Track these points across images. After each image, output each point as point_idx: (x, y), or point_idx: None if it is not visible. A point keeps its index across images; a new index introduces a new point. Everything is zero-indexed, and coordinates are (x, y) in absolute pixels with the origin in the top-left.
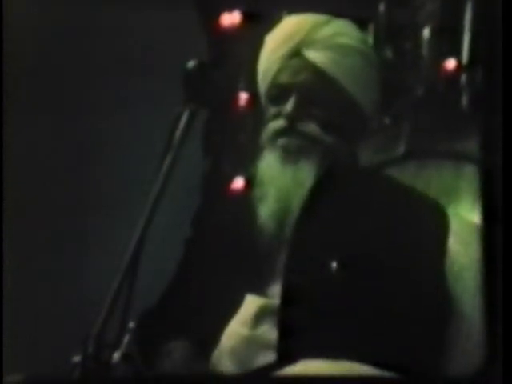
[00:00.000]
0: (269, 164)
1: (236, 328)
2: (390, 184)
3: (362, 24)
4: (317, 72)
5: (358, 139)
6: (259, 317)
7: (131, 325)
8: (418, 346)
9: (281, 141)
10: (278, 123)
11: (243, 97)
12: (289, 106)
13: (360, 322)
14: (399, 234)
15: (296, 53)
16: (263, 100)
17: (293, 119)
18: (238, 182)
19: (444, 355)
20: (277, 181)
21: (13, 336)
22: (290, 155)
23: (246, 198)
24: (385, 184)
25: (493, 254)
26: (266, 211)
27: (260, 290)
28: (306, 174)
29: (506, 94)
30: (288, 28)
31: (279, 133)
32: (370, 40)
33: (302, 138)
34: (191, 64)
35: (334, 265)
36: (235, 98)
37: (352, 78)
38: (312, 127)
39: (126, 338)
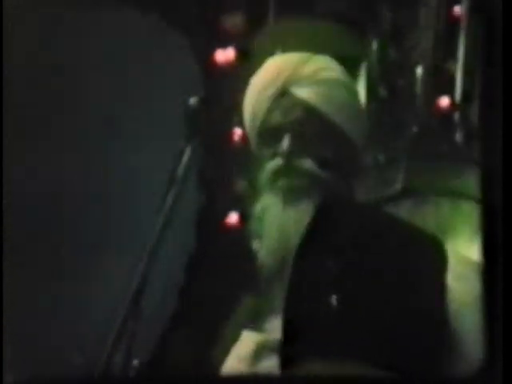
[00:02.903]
0: (269, 204)
1: (235, 365)
2: (387, 219)
3: (355, 61)
4: (307, 108)
5: (352, 174)
6: (258, 353)
7: (135, 362)
8: (418, 350)
9: (281, 181)
10: (276, 163)
11: (237, 132)
12: (284, 144)
13: (361, 355)
14: (397, 268)
15: (284, 92)
16: (254, 141)
17: (290, 157)
18: (233, 217)
19: (444, 356)
20: (278, 220)
21: (16, 373)
22: (291, 195)
23: (242, 233)
24: (382, 219)
25: (493, 290)
26: (265, 249)
27: (257, 324)
28: (306, 213)
29: (506, 130)
30: (272, 68)
31: (278, 173)
32: (361, 75)
33: (300, 177)
34: (193, 100)
35: (334, 299)
36: (230, 134)
37: (340, 111)
38: (309, 163)
39: (131, 375)
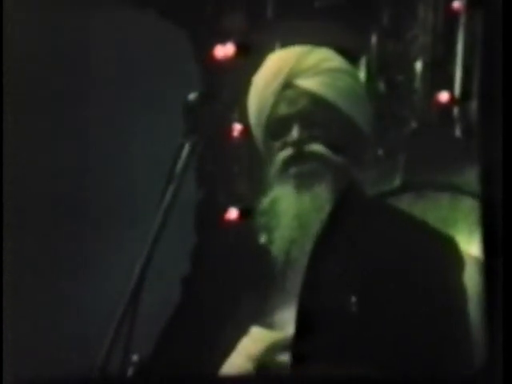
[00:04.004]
0: (282, 194)
1: (243, 363)
2: (400, 214)
3: (354, 56)
4: (313, 98)
5: (362, 163)
6: (269, 352)
7: (135, 357)
8: (423, 349)
9: (292, 169)
10: (287, 152)
11: (237, 128)
12: (294, 133)
13: (367, 355)
14: (414, 267)
15: (288, 84)
16: (261, 137)
17: (300, 145)
18: (232, 213)
19: (444, 356)
20: (293, 209)
21: (14, 371)
22: (305, 181)
23: (242, 228)
24: (396, 214)
25: (494, 287)
26: (279, 241)
27: (267, 319)
28: (323, 198)
29: (506, 126)
30: (274, 63)
31: (289, 161)
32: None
33: (312, 161)
34: (192, 96)
35: (353, 299)
36: (229, 129)
37: (345, 98)
38: (320, 148)
39: (130, 371)
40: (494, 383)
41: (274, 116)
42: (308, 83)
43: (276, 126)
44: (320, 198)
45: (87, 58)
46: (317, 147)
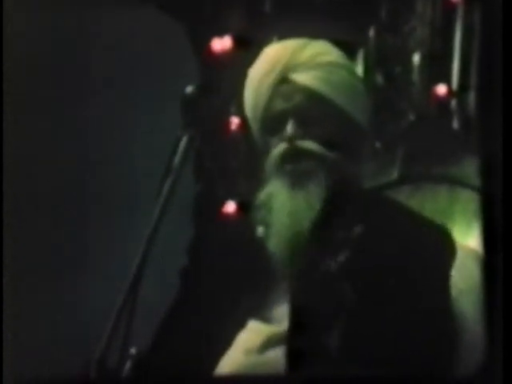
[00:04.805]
0: (277, 190)
1: (240, 357)
2: (396, 207)
3: (352, 49)
4: (308, 93)
5: (360, 156)
6: (265, 345)
7: (133, 351)
8: (421, 348)
9: (287, 166)
10: (281, 148)
11: (235, 121)
12: (289, 129)
13: (363, 353)
14: (408, 257)
15: (283, 79)
16: (257, 131)
17: (295, 142)
18: (230, 206)
19: (444, 356)
20: (287, 206)
21: (14, 371)
22: (299, 179)
23: (240, 222)
24: (392, 207)
25: (494, 280)
26: (275, 237)
27: (264, 313)
28: (316, 196)
29: (506, 118)
30: (270, 57)
31: (284, 158)
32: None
33: (307, 159)
34: (190, 89)
35: (350, 293)
36: (227, 123)
37: (341, 93)
38: (314, 145)
39: (128, 364)
40: (493, 383)
41: (270, 111)
42: (303, 78)
43: (271, 122)
44: (314, 196)
45: (87, 56)
46: (312, 144)
